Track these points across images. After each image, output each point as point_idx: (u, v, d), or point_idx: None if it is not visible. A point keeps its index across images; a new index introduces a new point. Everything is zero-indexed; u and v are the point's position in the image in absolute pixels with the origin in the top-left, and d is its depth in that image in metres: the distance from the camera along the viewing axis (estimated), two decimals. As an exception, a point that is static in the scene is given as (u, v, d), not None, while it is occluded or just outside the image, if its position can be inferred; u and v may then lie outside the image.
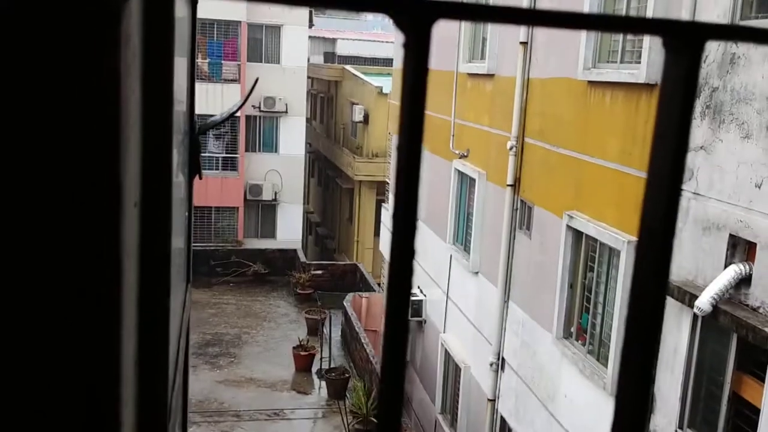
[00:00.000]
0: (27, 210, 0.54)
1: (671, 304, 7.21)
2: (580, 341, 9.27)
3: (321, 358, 18.23)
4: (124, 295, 0.64)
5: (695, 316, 6.80)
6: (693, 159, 6.98)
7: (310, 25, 28.73)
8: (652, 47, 7.61)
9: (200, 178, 2.01)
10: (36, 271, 0.56)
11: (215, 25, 26.33)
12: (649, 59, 7.64)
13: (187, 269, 1.99)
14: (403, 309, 0.42)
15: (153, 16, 0.80)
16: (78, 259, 0.56)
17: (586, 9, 8.92)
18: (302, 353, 18.37)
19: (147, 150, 0.82)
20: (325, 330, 19.04)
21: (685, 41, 0.44)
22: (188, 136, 1.85)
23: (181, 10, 1.44)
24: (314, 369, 18.42)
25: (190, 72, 1.91)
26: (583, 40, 8.95)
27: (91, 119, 0.53)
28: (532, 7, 10.30)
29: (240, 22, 26.39)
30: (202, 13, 25.26)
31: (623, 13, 8.47)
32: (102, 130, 0.54)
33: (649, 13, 7.66)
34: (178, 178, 1.68)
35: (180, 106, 1.67)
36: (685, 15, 7.08)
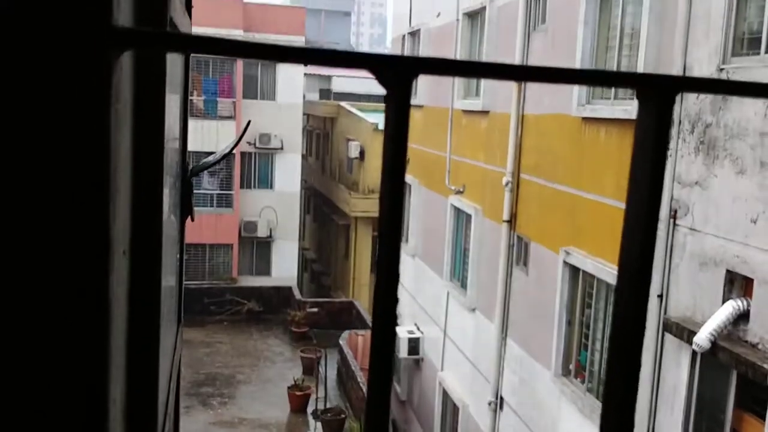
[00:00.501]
0: (18, 260, 0.55)
1: (670, 341, 7.14)
2: (579, 379, 9.17)
3: (317, 398, 18.01)
4: (112, 342, 0.64)
5: (694, 353, 6.74)
6: (688, 194, 6.98)
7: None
8: (645, 84, 7.65)
9: (192, 219, 1.99)
10: (25, 315, 0.57)
11: (211, 62, 26.55)
12: (642, 95, 7.67)
13: (178, 310, 1.96)
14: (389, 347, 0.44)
15: (145, 71, 0.83)
16: (66, 306, 0.57)
17: (578, 48, 9.00)
18: (297, 393, 18.15)
19: (137, 199, 0.84)
20: (320, 369, 18.85)
21: (657, 93, 0.46)
22: (181, 178, 1.84)
23: (172, 57, 1.43)
24: (310, 409, 18.19)
25: (183, 115, 1.91)
26: (576, 76, 9.00)
27: (81, 171, 0.54)
28: (523, 56, 10.42)
29: (235, 59, 26.62)
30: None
31: (616, 48, 8.55)
32: (91, 182, 0.55)
33: (641, 49, 7.72)
34: (170, 219, 1.66)
35: (173, 148, 1.66)
36: (677, 51, 7.13)
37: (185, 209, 1.92)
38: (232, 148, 2.76)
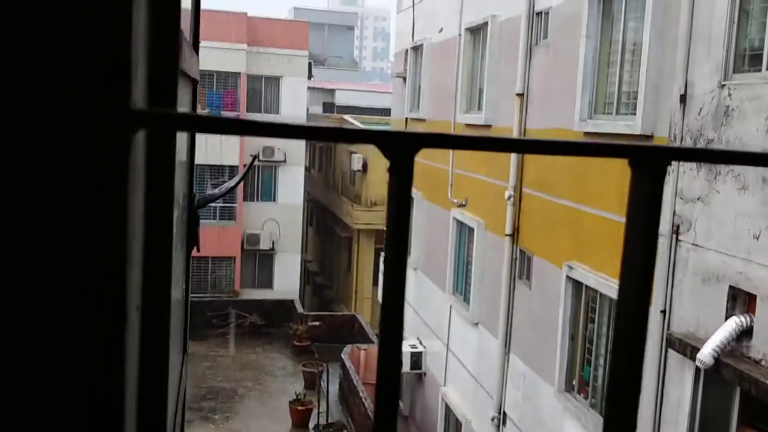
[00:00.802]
0: (34, 319, 0.57)
1: (673, 357, 7.12)
2: (582, 394, 9.13)
3: (318, 413, 17.95)
4: (126, 394, 0.66)
5: (697, 369, 6.71)
6: (691, 210, 6.98)
7: (309, 76, 29.11)
8: (647, 99, 7.68)
9: (198, 250, 2.00)
10: (43, 375, 0.58)
11: (215, 76, 26.67)
12: (644, 111, 7.70)
13: (184, 341, 1.97)
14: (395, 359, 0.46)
15: (157, 143, 0.87)
16: (85, 364, 0.59)
17: (580, 63, 9.02)
18: (299, 408, 18.09)
19: (148, 255, 0.87)
20: (322, 383, 18.79)
21: (650, 163, 0.48)
22: (188, 211, 1.85)
23: (181, 94, 1.46)
24: (311, 424, 18.12)
25: (191, 145, 1.91)
26: (579, 91, 9.04)
27: (100, 239, 0.57)
28: (525, 71, 10.45)
29: (239, 73, 26.74)
30: (201, 64, 25.57)
31: (618, 63, 8.57)
32: (110, 246, 0.58)
33: (643, 65, 7.74)
34: (177, 252, 1.67)
35: (179, 182, 1.68)
36: (678, 66, 7.15)
37: (191, 241, 1.93)
38: (239, 182, 2.79)
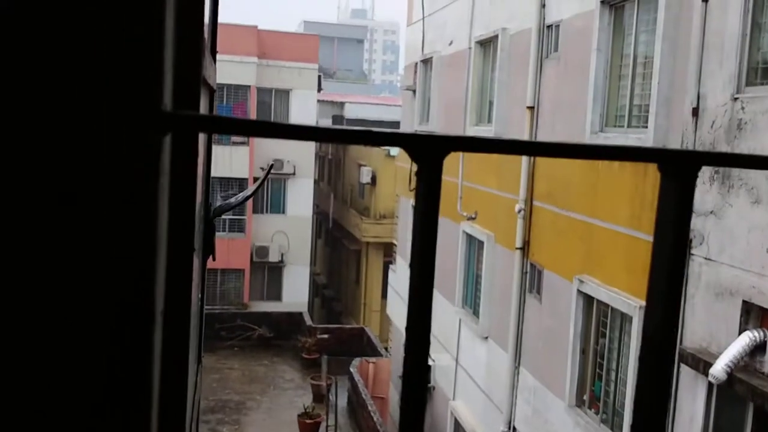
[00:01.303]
0: (70, 318, 0.58)
1: (685, 372, 7.05)
2: (593, 409, 9.05)
3: (327, 426, 17.87)
4: (153, 397, 0.68)
5: (710, 385, 6.64)
6: (704, 224, 6.92)
7: (319, 89, 29.21)
8: (659, 112, 7.64)
9: (213, 259, 2.00)
10: (74, 374, 0.59)
11: (225, 89, 26.80)
12: (656, 124, 7.67)
13: (198, 350, 1.97)
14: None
15: (180, 148, 0.88)
16: (116, 371, 0.60)
17: (591, 76, 9.00)
18: (307, 421, 18.02)
19: (171, 261, 0.88)
20: (331, 397, 18.72)
21: (679, 168, 0.47)
22: (204, 220, 1.86)
23: (203, 104, 1.46)
24: (320, 437, 18.04)
25: (207, 155, 1.92)
26: (590, 104, 9.02)
27: (131, 241, 0.58)
28: (536, 83, 10.44)
29: (249, 86, 26.86)
30: (212, 78, 25.67)
31: (629, 76, 8.55)
32: (140, 251, 0.59)
33: (655, 78, 7.71)
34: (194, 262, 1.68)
35: (198, 195, 1.70)
36: (690, 79, 7.12)
37: (207, 250, 1.93)
38: (255, 191, 2.79)
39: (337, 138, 0.37)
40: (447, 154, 0.39)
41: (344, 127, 0.37)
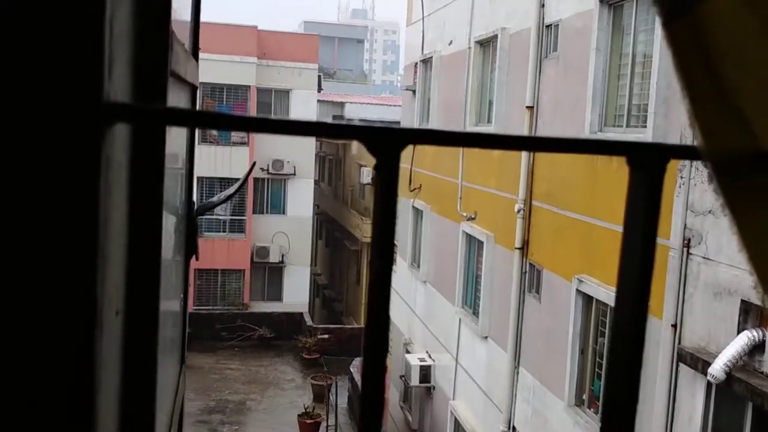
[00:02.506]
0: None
1: (684, 372, 7.05)
2: (592, 409, 9.05)
3: (327, 426, 17.88)
4: (100, 401, 0.65)
5: (709, 384, 6.64)
6: (702, 223, 6.93)
7: (319, 89, 29.21)
8: (657, 112, 7.65)
9: (197, 258, 1.99)
10: (4, 378, 0.57)
11: (225, 90, 26.81)
12: (654, 123, 7.67)
13: (181, 351, 1.95)
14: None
15: (142, 140, 0.85)
16: (50, 367, 0.58)
17: (590, 75, 9.01)
18: (308, 421, 18.03)
19: (133, 262, 0.86)
20: (331, 397, 18.73)
21: (648, 161, 0.47)
22: (186, 218, 1.85)
23: (179, 100, 1.46)
24: (320, 436, 18.05)
25: (190, 153, 1.91)
26: (589, 103, 9.02)
27: (66, 236, 0.56)
28: (535, 83, 10.44)
29: (249, 86, 26.87)
30: (212, 78, 25.79)
31: (628, 76, 8.55)
32: (77, 246, 0.57)
33: (654, 77, 7.71)
34: (174, 261, 1.66)
35: (179, 188, 1.66)
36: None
37: (190, 249, 1.93)
38: (237, 189, 2.78)
39: (289, 130, 0.37)
40: (404, 148, 0.38)
41: (298, 119, 0.37)
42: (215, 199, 2.66)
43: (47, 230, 0.55)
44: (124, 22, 0.71)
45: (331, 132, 0.37)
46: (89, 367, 0.59)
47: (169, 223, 1.42)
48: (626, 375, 0.48)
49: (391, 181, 0.39)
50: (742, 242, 0.44)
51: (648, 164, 0.47)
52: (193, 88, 1.87)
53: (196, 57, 1.99)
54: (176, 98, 1.33)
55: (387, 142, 0.38)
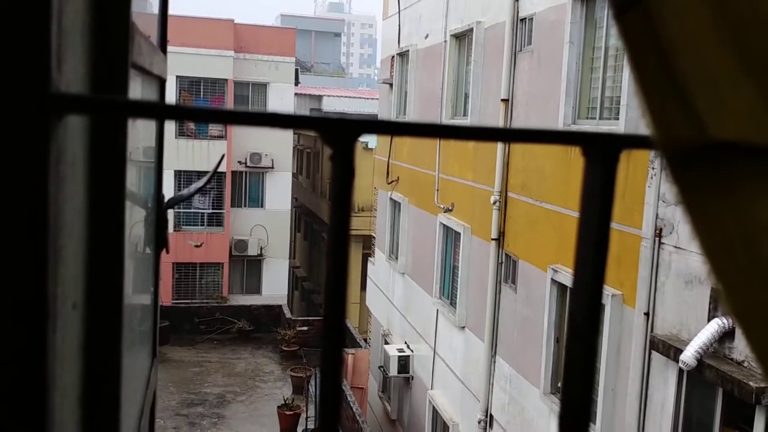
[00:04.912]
0: None
1: (656, 359, 7.19)
2: (567, 397, 9.18)
3: (306, 418, 17.92)
4: (55, 403, 0.63)
5: (681, 371, 6.78)
6: (673, 213, 7.06)
7: (296, 82, 29.11)
8: (629, 104, 7.76)
9: (167, 251, 2.01)
10: None
11: (202, 83, 26.63)
12: (627, 115, 7.79)
13: (153, 345, 1.97)
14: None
15: (99, 132, 0.83)
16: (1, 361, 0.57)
17: (564, 68, 9.11)
18: (287, 413, 18.06)
19: (93, 251, 0.84)
20: (310, 388, 18.76)
21: (602, 151, 0.47)
22: (156, 211, 1.86)
23: (146, 93, 1.47)
24: (300, 429, 18.09)
25: (159, 145, 1.93)
26: (562, 96, 9.12)
27: (14, 231, 0.55)
28: (510, 76, 10.52)
29: (227, 80, 26.71)
30: (188, 71, 25.58)
31: (601, 69, 8.66)
32: (25, 239, 0.55)
33: (626, 69, 7.82)
34: (144, 255, 1.67)
35: (147, 180, 1.68)
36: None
37: (160, 243, 1.94)
38: (207, 182, 2.80)
39: (247, 121, 0.38)
40: (358, 137, 0.40)
41: (253, 110, 0.39)
42: (185, 192, 2.67)
43: None
44: (77, 15, 0.70)
45: (285, 123, 0.39)
46: (40, 360, 0.58)
47: (136, 215, 1.40)
48: (583, 362, 0.48)
49: (347, 169, 0.40)
50: (695, 232, 0.43)
51: (602, 154, 0.47)
52: (160, 81, 1.87)
53: (164, 50, 1.99)
54: (141, 90, 1.31)
55: (341, 131, 0.39)
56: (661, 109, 0.42)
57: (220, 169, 25.83)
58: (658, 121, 0.42)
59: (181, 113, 0.39)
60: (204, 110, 0.38)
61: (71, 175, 0.68)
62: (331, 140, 0.40)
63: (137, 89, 1.24)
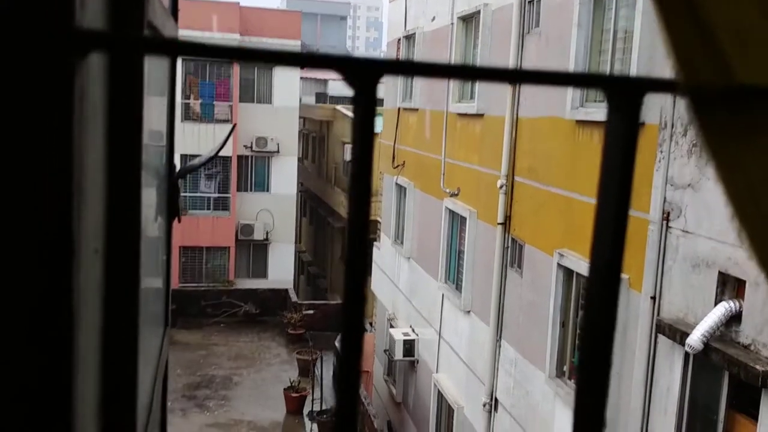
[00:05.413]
0: None
1: (663, 342, 7.18)
2: (573, 380, 9.20)
3: (312, 400, 18.03)
4: (80, 342, 0.64)
5: (687, 354, 6.77)
6: (681, 196, 7.02)
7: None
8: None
9: (179, 221, 2.01)
10: None
11: (207, 66, 26.57)
12: (635, 99, 7.72)
13: (165, 312, 1.98)
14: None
15: (120, 71, 0.83)
16: (28, 300, 0.57)
17: (572, 50, 9.05)
18: (293, 395, 18.16)
19: (113, 198, 0.84)
20: (316, 371, 18.85)
21: (625, 96, 0.46)
22: (167, 180, 1.86)
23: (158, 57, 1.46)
24: (306, 411, 18.20)
25: (170, 117, 1.93)
26: (570, 80, 9.06)
27: (41, 170, 0.55)
28: (517, 58, 10.46)
29: (232, 63, 26.60)
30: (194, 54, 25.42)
31: (609, 51, 8.60)
32: (52, 181, 0.55)
33: (635, 52, 7.76)
34: (157, 221, 1.67)
35: (158, 150, 1.68)
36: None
37: (172, 211, 1.94)
38: (218, 151, 2.80)
39: (266, 59, 0.38)
40: (381, 77, 0.40)
41: (268, 48, 0.38)
42: (196, 161, 2.68)
43: (20, 166, 0.54)
44: None
45: (308, 62, 0.38)
46: (67, 301, 0.58)
47: (150, 182, 1.40)
48: (604, 315, 0.48)
49: (369, 112, 0.40)
50: (718, 176, 0.43)
51: (625, 98, 0.46)
52: None
53: (175, 18, 1.99)
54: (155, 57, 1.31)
55: (365, 71, 0.38)
56: (688, 53, 0.42)
57: (225, 153, 25.82)
58: (684, 64, 0.42)
59: (201, 50, 0.38)
60: (235, 48, 0.38)
61: (92, 118, 0.68)
62: (354, 81, 0.39)
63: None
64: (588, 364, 0.49)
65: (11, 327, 0.57)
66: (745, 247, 0.44)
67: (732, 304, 6.31)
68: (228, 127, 26.26)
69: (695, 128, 0.43)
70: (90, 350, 0.74)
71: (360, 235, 0.42)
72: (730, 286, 6.46)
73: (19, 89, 0.52)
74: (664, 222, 7.22)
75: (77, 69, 0.55)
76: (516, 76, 0.49)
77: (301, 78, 29.87)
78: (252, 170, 27.88)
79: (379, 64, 0.39)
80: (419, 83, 15.43)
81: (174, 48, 0.40)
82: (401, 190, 16.43)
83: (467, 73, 0.44)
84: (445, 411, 13.43)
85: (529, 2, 10.49)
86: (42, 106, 0.53)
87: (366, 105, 0.39)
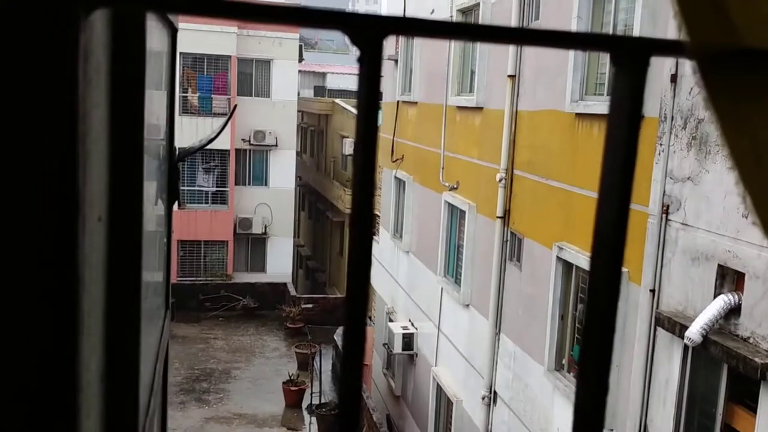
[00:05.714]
0: None
1: (662, 335, 7.19)
2: (571, 373, 9.21)
3: (311, 393, 18.04)
4: (84, 308, 0.63)
5: (686, 347, 6.78)
6: (680, 189, 7.02)
7: (300, 59, 28.94)
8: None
9: (179, 207, 2.01)
10: None
11: (205, 60, 26.50)
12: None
13: (166, 297, 1.98)
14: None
15: (121, 32, 0.82)
16: (33, 265, 0.57)
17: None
18: (292, 388, 18.18)
19: (115, 166, 0.83)
20: (315, 364, 18.87)
21: (631, 56, 0.45)
22: (168, 163, 1.85)
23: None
24: (305, 404, 18.22)
25: (170, 102, 1.92)
26: (570, 72, 9.05)
27: (45, 128, 0.54)
28: (517, 51, 10.44)
29: (230, 56, 26.58)
30: (192, 47, 25.45)
31: (611, 23, 8.57)
32: (56, 140, 0.54)
33: (636, 26, 7.73)
34: (157, 203, 1.67)
35: (159, 134, 1.67)
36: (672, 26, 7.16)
37: (172, 194, 1.94)
38: (218, 133, 2.79)
39: (270, 17, 0.37)
40: (387, 36, 0.39)
41: (279, 4, 0.38)
42: (196, 143, 2.67)
43: (25, 123, 0.53)
44: None
45: (313, 20, 0.37)
46: (72, 266, 0.58)
47: (151, 164, 1.38)
48: (607, 291, 0.47)
49: (374, 71, 0.39)
50: (724, 138, 0.44)
51: (631, 58, 0.46)
52: (173, 31, 1.85)
53: None
54: (158, 36, 1.30)
55: (370, 30, 0.37)
56: (695, 13, 0.42)
57: (223, 147, 25.77)
58: (691, 25, 0.42)
59: (204, 6, 0.37)
60: (238, 4, 0.37)
61: (96, 80, 0.67)
62: (359, 39, 0.38)
63: (153, 33, 1.22)
64: (589, 357, 0.49)
65: (16, 293, 0.56)
66: (749, 211, 0.44)
67: (731, 297, 6.32)
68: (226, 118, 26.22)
69: (702, 90, 0.43)
70: (94, 317, 0.74)
71: (366, 189, 0.40)
72: (729, 279, 6.47)
73: (23, 45, 0.51)
74: (664, 215, 7.22)
75: (82, 26, 0.54)
76: (520, 36, 0.48)
77: (299, 71, 29.80)
78: (250, 164, 27.85)
79: (385, 20, 0.38)
80: (418, 75, 15.40)
81: (182, 4, 0.38)
82: (400, 183, 16.42)
83: (471, 32, 0.44)
84: (444, 404, 13.45)
85: (528, -5, 10.47)
86: (47, 60, 0.52)
87: (371, 65, 0.38)
